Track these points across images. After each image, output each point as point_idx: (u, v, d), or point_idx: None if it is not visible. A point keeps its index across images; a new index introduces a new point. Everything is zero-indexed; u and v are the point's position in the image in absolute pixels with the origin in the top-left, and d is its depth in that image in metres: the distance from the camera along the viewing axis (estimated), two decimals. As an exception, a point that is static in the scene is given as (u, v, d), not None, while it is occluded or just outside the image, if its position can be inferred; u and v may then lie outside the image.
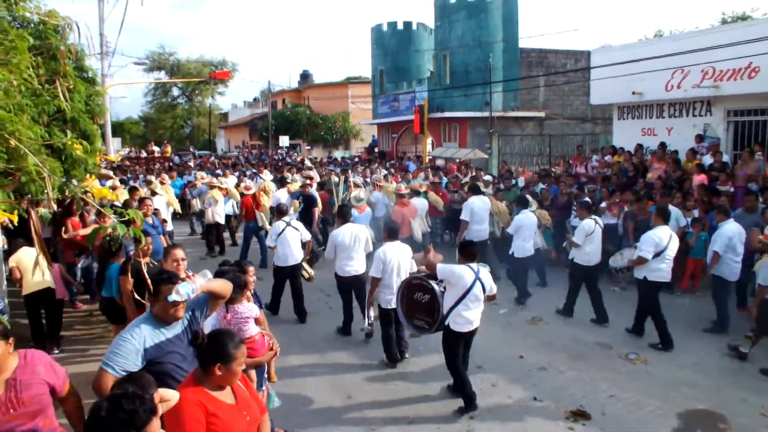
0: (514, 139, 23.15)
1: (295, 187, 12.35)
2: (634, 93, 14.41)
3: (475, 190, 10.01)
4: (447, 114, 25.22)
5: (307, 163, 23.38)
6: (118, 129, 48.16)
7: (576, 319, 8.02)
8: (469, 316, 5.43)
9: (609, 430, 5.07)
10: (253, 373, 4.29)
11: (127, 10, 37.15)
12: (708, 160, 11.51)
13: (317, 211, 11.39)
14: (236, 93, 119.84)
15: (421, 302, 5.78)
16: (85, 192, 4.92)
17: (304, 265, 8.30)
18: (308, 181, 12.48)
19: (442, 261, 5.70)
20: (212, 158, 31.18)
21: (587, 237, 7.90)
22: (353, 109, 42.64)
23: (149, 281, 3.25)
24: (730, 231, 7.42)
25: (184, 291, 3.11)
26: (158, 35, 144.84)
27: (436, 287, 5.61)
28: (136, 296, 4.86)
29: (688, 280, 9.18)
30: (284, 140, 37.07)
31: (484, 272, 5.53)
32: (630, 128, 15.29)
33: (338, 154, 36.19)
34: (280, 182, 12.96)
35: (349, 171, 15.96)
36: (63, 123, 5.67)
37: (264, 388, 4.58)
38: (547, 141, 21.35)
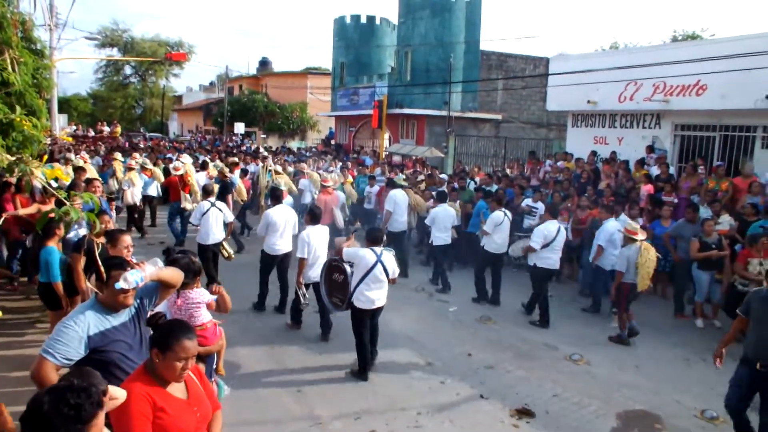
0: (470, 140, 23.43)
1: (215, 172, 12.92)
2: (588, 102, 14.81)
3: (392, 185, 10.89)
4: (406, 111, 25.28)
5: (262, 152, 23.06)
6: (65, 105, 46.22)
7: (523, 320, 8.21)
8: (370, 296, 5.96)
9: (552, 429, 5.20)
10: (201, 363, 4.19)
11: (80, -18, 35.58)
12: (655, 171, 11.96)
13: (230, 198, 11.50)
14: (192, 76, 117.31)
15: (338, 282, 6.36)
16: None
17: (224, 244, 8.79)
18: (225, 168, 12.79)
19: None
20: (164, 141, 30.34)
21: (496, 227, 8.76)
22: (311, 100, 42.22)
23: (101, 265, 3.10)
24: (612, 227, 8.42)
25: (132, 279, 2.99)
26: (112, 10, 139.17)
27: (348, 269, 6.14)
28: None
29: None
30: (239, 127, 36.41)
31: (388, 256, 6.07)
32: (583, 136, 15.71)
33: (294, 144, 35.78)
34: (201, 167, 13.61)
35: (269, 160, 16.44)
36: (6, 96, 5.38)
37: (213, 380, 4.48)
38: (502, 143, 21.71)
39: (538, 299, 8.13)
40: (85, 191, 6.03)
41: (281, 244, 7.87)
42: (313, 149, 29.82)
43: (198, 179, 12.26)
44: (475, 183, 13.20)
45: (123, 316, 3.20)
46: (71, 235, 6.05)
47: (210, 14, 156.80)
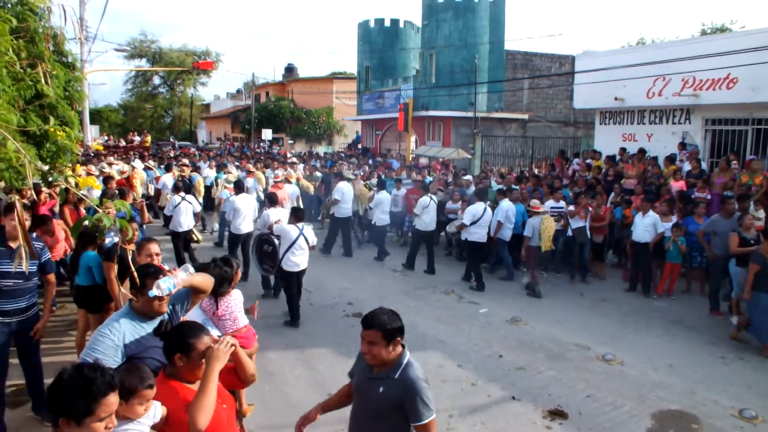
0: (497, 140, 23.28)
1: (177, 173, 14.64)
2: (616, 99, 14.60)
3: (340, 177, 12.67)
4: (431, 113, 25.25)
5: (291, 158, 23.25)
6: (97, 116, 47.37)
7: (554, 320, 8.11)
8: (295, 260, 7.52)
9: (585, 430, 5.13)
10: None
11: (110, -4, 36.42)
12: (687, 167, 11.71)
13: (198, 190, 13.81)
14: (219, 84, 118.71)
15: (267, 252, 7.89)
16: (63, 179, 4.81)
17: (194, 230, 10.69)
18: (186, 169, 15.42)
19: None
20: (192, 149, 30.86)
21: (424, 209, 10.50)
22: (337, 105, 42.41)
23: (136, 274, 3.16)
24: (507, 206, 10.07)
25: (165, 286, 3.01)
26: (140, 22, 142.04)
27: (276, 241, 7.64)
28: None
29: (664, 283, 9.30)
30: (267, 134, 36.78)
31: (308, 230, 7.61)
32: (611, 133, 15.49)
33: (321, 149, 35.99)
34: (167, 168, 15.70)
35: (297, 165, 18.24)
36: (40, 108, 5.54)
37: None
38: (529, 143, 21.52)
39: (473, 268, 9.69)
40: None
41: (244, 226, 9.64)
42: (341, 153, 29.99)
43: (165, 181, 13.89)
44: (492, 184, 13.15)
45: (156, 323, 3.23)
46: (107, 241, 6.19)
47: (235, 23, 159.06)
